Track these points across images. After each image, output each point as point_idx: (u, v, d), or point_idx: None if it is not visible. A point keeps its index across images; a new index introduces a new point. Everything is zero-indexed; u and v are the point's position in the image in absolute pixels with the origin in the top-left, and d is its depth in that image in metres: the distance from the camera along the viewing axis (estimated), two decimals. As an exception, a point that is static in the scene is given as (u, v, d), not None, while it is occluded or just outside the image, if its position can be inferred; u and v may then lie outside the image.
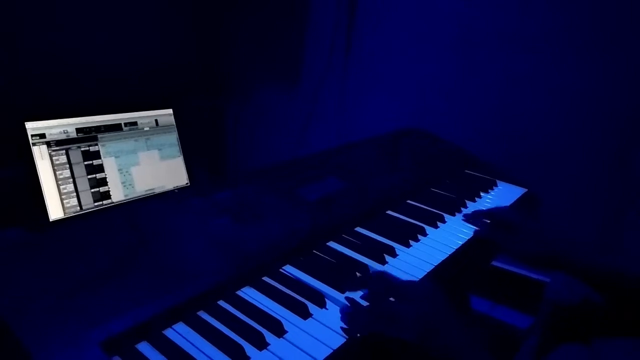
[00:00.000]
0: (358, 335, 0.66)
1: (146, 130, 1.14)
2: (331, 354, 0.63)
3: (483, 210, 1.02)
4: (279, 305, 0.71)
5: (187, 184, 1.21)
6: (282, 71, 1.66)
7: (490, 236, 0.94)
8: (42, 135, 0.98)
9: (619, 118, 1.27)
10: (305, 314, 0.69)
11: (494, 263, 1.46)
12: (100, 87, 1.18)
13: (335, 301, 0.73)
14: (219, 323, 0.67)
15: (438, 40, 1.50)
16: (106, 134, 1.07)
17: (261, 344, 0.63)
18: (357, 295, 0.74)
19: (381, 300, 0.70)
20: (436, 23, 1.49)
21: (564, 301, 0.92)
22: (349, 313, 0.68)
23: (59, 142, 1.00)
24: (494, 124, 1.44)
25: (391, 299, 0.68)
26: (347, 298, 0.73)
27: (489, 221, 0.98)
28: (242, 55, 1.56)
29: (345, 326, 0.67)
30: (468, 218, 1.02)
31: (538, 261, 0.88)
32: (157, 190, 1.15)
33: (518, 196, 1.16)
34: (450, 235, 0.96)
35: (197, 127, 1.36)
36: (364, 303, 0.72)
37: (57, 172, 0.99)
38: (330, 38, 1.64)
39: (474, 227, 0.99)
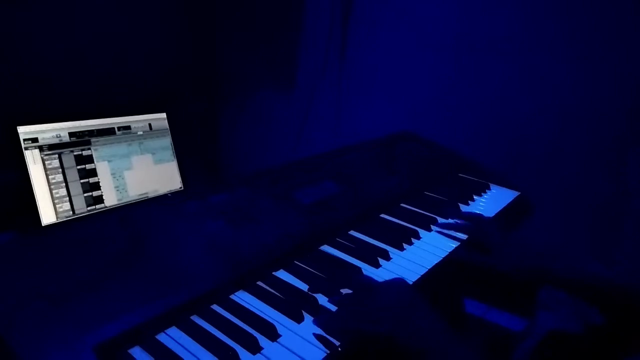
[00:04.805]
0: (336, 341, 0.65)
1: (140, 134, 1.14)
2: (325, 357, 0.63)
3: (456, 222, 0.98)
4: (273, 310, 0.71)
5: (180, 188, 1.20)
6: (278, 74, 1.66)
7: (468, 257, 0.92)
8: (35, 140, 0.97)
9: (616, 122, 1.27)
10: (299, 317, 0.69)
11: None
12: (93, 90, 1.18)
13: (329, 305, 0.73)
14: (212, 327, 0.67)
15: (434, 43, 1.50)
16: (99, 138, 1.07)
17: (255, 348, 0.63)
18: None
19: (350, 300, 0.71)
20: (432, 26, 1.50)
21: (564, 329, 0.89)
22: (321, 321, 0.68)
23: (51, 147, 0.99)
24: (491, 127, 1.44)
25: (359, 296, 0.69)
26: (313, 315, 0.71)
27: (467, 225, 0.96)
28: (238, 58, 1.56)
29: (321, 333, 0.66)
30: (442, 228, 0.98)
31: (523, 276, 0.86)
32: (151, 195, 1.14)
33: (511, 199, 1.17)
34: (444, 238, 0.96)
35: (192, 131, 1.35)
36: (333, 308, 0.72)
37: (50, 177, 0.98)
38: (325, 41, 1.64)
39: (460, 236, 0.96)
